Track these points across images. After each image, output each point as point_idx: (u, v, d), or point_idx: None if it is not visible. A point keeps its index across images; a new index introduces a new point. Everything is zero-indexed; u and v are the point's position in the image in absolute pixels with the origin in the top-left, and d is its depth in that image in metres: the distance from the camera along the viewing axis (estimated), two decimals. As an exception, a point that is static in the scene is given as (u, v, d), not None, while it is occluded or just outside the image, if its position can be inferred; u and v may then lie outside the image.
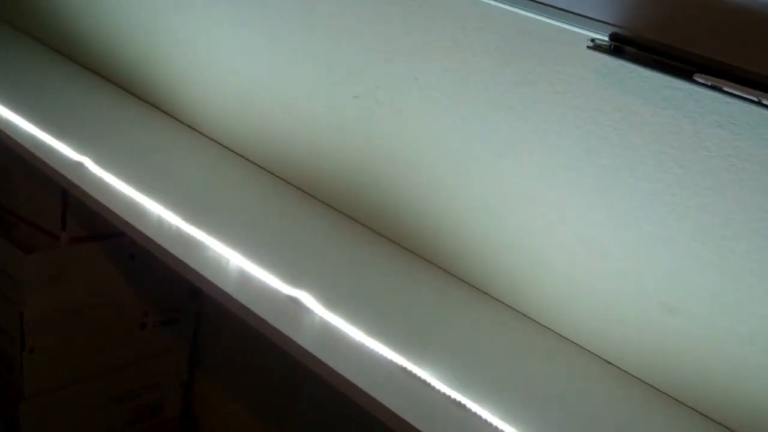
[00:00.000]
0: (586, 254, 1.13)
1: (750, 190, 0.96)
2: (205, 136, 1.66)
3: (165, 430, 1.99)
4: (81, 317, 1.71)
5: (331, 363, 1.03)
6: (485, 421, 0.97)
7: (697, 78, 0.91)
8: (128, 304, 1.79)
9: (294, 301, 1.14)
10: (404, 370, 1.04)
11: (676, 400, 1.09)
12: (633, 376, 1.13)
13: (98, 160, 1.43)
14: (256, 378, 1.85)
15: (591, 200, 1.10)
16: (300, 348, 1.06)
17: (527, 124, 1.13)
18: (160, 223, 1.29)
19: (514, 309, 1.23)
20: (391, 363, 1.05)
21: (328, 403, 1.57)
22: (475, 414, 0.98)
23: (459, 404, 0.99)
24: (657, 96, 1.00)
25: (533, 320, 1.21)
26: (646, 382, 1.12)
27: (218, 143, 1.64)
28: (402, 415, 0.96)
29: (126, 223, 1.28)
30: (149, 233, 1.25)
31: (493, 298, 1.25)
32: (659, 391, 1.11)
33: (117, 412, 1.86)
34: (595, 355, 1.16)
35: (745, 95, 0.88)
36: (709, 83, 0.90)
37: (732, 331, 1.02)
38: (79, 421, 1.79)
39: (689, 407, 1.08)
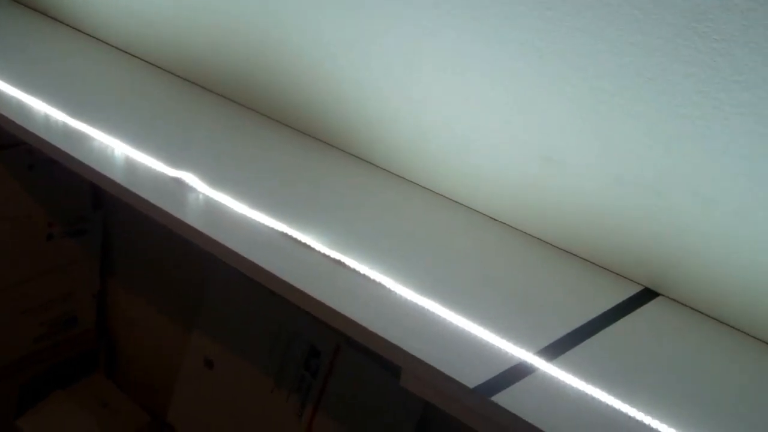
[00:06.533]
0: (463, 111, 1.15)
1: (615, 25, 0.98)
2: (94, 38, 1.66)
3: (81, 342, 2.00)
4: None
5: (215, 236, 1.05)
6: (364, 276, 1.00)
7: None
8: (32, 216, 1.79)
9: (178, 182, 1.16)
10: (285, 235, 1.07)
11: (566, 251, 1.14)
12: (517, 229, 1.17)
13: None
14: (166, 282, 1.86)
15: (464, 58, 1.12)
16: (185, 225, 1.08)
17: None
18: (47, 120, 1.29)
19: (397, 174, 1.26)
20: (273, 231, 1.08)
21: (233, 290, 1.60)
22: (354, 270, 1.01)
23: (339, 262, 1.02)
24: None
25: (414, 183, 1.25)
26: (531, 235, 1.16)
27: (108, 44, 1.64)
28: (283, 277, 0.99)
29: (9, 121, 1.28)
30: (35, 130, 1.26)
31: (376, 165, 1.28)
32: (544, 242, 1.15)
33: (30, 325, 1.87)
34: (477, 211, 1.20)
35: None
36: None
37: (609, 173, 1.05)
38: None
39: (579, 257, 1.13)
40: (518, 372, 0.88)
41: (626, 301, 1.04)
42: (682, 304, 1.05)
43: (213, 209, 1.11)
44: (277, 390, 1.52)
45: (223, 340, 1.63)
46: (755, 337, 1.00)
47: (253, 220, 1.09)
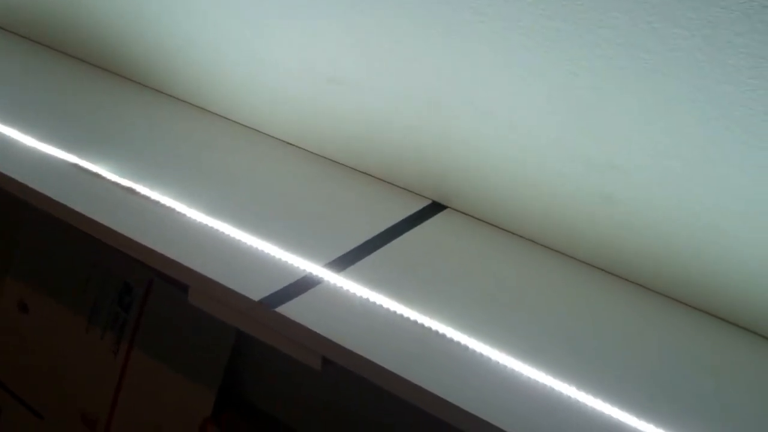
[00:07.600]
0: (250, 39, 1.17)
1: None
2: None
3: None
4: None
5: (3, 169, 1.04)
6: (154, 201, 1.01)
7: None
8: None
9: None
10: (77, 166, 1.06)
11: (356, 169, 1.17)
12: (309, 151, 1.20)
13: None
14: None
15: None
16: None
17: None
18: None
19: (193, 104, 1.28)
20: (64, 162, 1.07)
21: (45, 231, 1.58)
22: (145, 196, 1.02)
23: (130, 190, 1.03)
24: None
25: (210, 112, 1.26)
26: (322, 156, 1.19)
27: None
28: (74, 207, 0.99)
29: None
30: None
31: (172, 96, 1.29)
32: (335, 161, 1.18)
33: None
34: (271, 136, 1.22)
35: None
36: None
37: (388, 90, 1.08)
38: None
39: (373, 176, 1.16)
40: (305, 284, 0.91)
41: (414, 215, 1.08)
42: (468, 215, 1.10)
43: (1, 143, 1.10)
44: (91, 329, 1.51)
45: (36, 283, 1.61)
46: (532, 240, 1.06)
47: (44, 152, 1.08)
